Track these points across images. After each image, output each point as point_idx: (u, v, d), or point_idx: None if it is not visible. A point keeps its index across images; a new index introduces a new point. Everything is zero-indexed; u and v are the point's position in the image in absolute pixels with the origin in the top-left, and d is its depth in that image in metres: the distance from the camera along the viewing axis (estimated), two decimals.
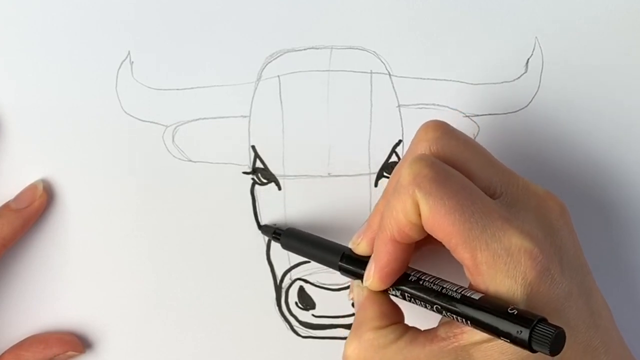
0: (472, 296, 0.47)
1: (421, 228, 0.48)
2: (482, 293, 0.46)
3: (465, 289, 0.47)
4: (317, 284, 0.57)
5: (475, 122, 0.57)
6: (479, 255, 0.46)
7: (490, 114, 0.57)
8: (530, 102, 0.57)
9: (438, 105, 0.57)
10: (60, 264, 0.58)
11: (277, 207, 0.58)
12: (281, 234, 0.56)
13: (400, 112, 0.57)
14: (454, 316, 0.47)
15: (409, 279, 0.50)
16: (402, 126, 0.57)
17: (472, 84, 0.57)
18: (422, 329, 0.50)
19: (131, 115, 0.57)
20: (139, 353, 0.59)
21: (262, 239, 0.58)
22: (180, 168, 0.58)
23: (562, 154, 0.57)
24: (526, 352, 0.45)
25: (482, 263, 0.46)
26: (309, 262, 0.57)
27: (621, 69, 0.57)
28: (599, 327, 0.49)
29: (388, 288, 0.51)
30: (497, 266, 0.46)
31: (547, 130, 0.57)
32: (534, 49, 0.57)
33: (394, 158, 0.57)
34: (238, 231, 0.58)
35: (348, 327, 0.58)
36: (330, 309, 0.58)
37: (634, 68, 0.57)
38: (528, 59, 0.57)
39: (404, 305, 0.52)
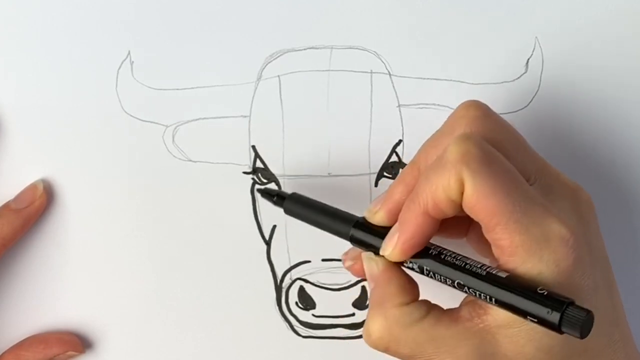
0: (498, 274, 0.46)
1: (458, 206, 0.47)
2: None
3: (490, 266, 0.47)
4: (318, 284, 0.57)
5: None
6: (517, 237, 0.46)
7: None
8: (530, 102, 0.57)
9: (438, 105, 0.57)
10: (60, 264, 0.58)
11: (277, 207, 0.57)
12: (285, 198, 0.55)
13: (400, 112, 0.57)
14: (478, 293, 0.46)
15: (430, 252, 0.49)
16: (402, 126, 0.57)
17: (472, 84, 0.57)
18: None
19: (131, 115, 0.57)
20: (139, 353, 0.59)
21: (262, 238, 0.58)
22: (180, 168, 0.58)
23: (562, 153, 0.57)
24: (553, 339, 0.45)
25: (519, 246, 0.46)
26: (310, 261, 0.57)
27: (621, 68, 0.57)
28: (619, 322, 0.49)
29: (405, 261, 0.50)
30: (533, 250, 0.46)
31: (547, 130, 0.57)
32: (534, 49, 0.57)
33: (394, 158, 0.57)
34: (238, 231, 0.58)
35: (348, 327, 0.58)
36: (331, 309, 0.58)
37: (634, 68, 0.57)
38: (528, 59, 0.57)
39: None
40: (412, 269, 0.50)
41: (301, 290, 0.58)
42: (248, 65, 0.57)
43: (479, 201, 0.46)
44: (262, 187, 0.57)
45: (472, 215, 0.47)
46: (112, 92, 0.57)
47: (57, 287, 0.58)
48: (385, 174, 0.57)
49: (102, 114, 0.57)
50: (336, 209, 0.53)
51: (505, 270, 0.47)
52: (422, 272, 0.49)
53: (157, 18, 0.57)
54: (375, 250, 0.51)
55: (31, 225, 0.57)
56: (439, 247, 0.49)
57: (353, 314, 0.58)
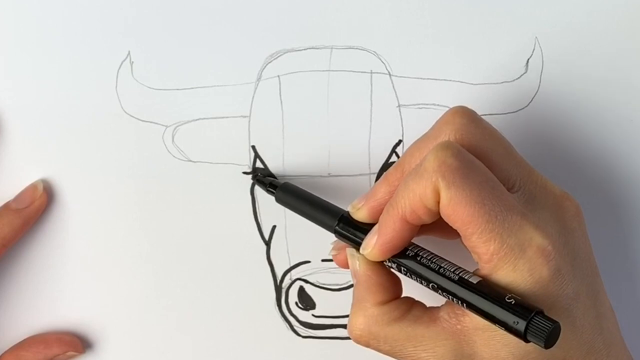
0: (469, 279, 0.47)
1: (435, 214, 0.48)
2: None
3: (464, 270, 0.48)
4: (317, 284, 0.57)
5: None
6: (491, 246, 0.46)
7: (490, 114, 0.57)
8: (530, 102, 0.57)
9: (438, 105, 0.57)
10: (60, 264, 0.58)
11: (277, 207, 0.57)
12: (277, 187, 0.56)
13: (400, 112, 0.57)
14: (450, 297, 0.47)
15: (407, 253, 0.50)
16: (402, 126, 0.57)
17: (472, 84, 0.57)
18: (417, 299, 0.51)
19: (131, 115, 0.57)
20: (139, 353, 0.59)
21: (262, 239, 0.58)
22: (180, 168, 0.58)
23: (561, 154, 0.57)
24: (528, 346, 0.45)
25: (494, 254, 0.46)
26: (309, 262, 0.57)
27: (621, 68, 0.57)
28: (603, 330, 0.49)
29: (384, 260, 0.51)
30: (508, 259, 0.46)
31: (547, 130, 0.57)
32: (534, 49, 0.57)
33: (394, 158, 0.57)
34: (238, 231, 0.58)
35: None
36: (330, 309, 0.58)
37: (634, 68, 0.57)
38: (528, 59, 0.57)
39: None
40: (391, 267, 0.51)
41: (301, 290, 0.58)
42: (248, 65, 0.57)
43: (454, 211, 0.47)
44: (259, 174, 0.57)
45: (449, 223, 0.48)
46: (112, 92, 0.57)
47: (57, 287, 0.58)
48: None
49: (102, 114, 0.57)
50: (325, 202, 0.54)
51: (480, 277, 0.47)
52: (399, 271, 0.50)
53: (157, 18, 0.57)
54: (358, 246, 0.52)
55: (31, 225, 0.57)
56: (418, 247, 0.50)
57: None
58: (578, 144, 0.57)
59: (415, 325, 0.49)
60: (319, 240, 0.57)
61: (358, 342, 0.51)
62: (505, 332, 0.45)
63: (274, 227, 0.58)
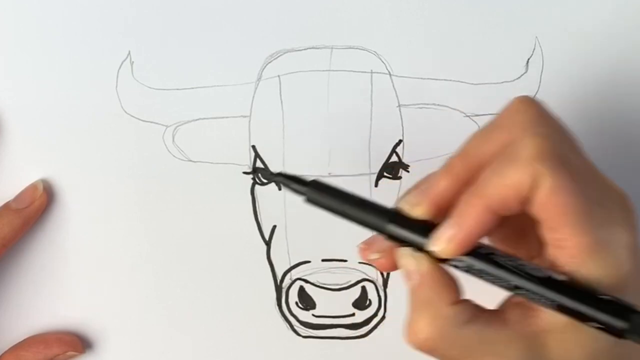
0: (559, 278, 0.44)
1: (525, 203, 0.45)
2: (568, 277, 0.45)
3: (547, 269, 0.45)
4: (317, 284, 0.57)
5: (475, 122, 0.57)
6: (583, 239, 0.44)
7: (490, 114, 0.57)
8: None
9: (438, 105, 0.57)
10: (60, 264, 0.58)
11: (277, 207, 0.58)
12: (307, 185, 0.48)
13: (400, 112, 0.57)
14: (537, 297, 0.45)
15: (480, 250, 0.46)
16: (402, 126, 0.57)
17: (472, 84, 0.57)
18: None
19: (131, 115, 0.57)
20: (139, 353, 0.59)
21: (262, 239, 0.58)
22: (180, 168, 0.58)
23: None
24: (600, 345, 0.44)
25: (583, 248, 0.44)
26: (310, 262, 0.57)
27: (621, 68, 0.57)
28: None
29: (451, 259, 0.46)
30: (598, 255, 0.44)
31: None
32: (534, 49, 0.57)
33: (394, 158, 0.57)
34: (238, 231, 0.58)
35: (348, 327, 0.58)
36: (331, 309, 0.58)
37: (634, 68, 0.57)
38: (528, 59, 0.57)
39: None
40: (457, 267, 0.47)
41: (301, 290, 0.58)
42: (248, 65, 0.57)
43: (552, 199, 0.44)
44: (282, 172, 0.50)
45: (537, 214, 0.45)
46: (112, 92, 0.57)
47: (57, 287, 0.58)
48: (385, 174, 0.57)
49: (102, 114, 0.57)
50: (364, 199, 0.48)
51: (563, 273, 0.45)
52: (468, 272, 0.46)
53: (157, 18, 0.57)
54: (417, 246, 0.47)
55: (31, 225, 0.57)
56: (488, 245, 0.47)
57: (353, 314, 0.58)
58: None
59: (487, 328, 0.46)
60: (319, 240, 0.57)
61: (421, 347, 0.46)
62: (580, 332, 0.44)
63: (274, 227, 0.58)
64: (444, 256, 0.46)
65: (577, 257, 0.44)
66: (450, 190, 0.47)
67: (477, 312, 0.46)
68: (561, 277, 0.45)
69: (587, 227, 0.44)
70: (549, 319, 0.45)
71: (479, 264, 0.46)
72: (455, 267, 0.46)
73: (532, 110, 0.47)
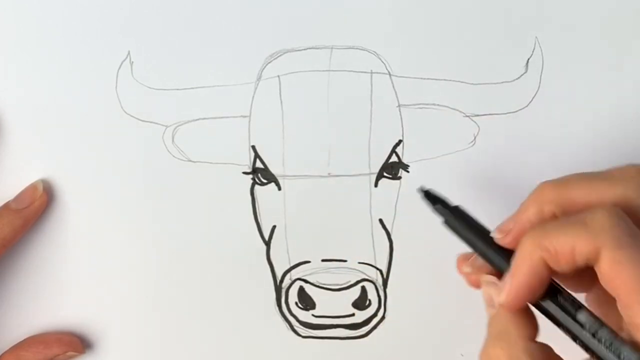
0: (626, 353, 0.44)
1: (575, 268, 0.45)
2: None
3: (619, 338, 0.45)
4: (317, 284, 0.57)
5: (475, 122, 0.57)
6: None
7: (490, 114, 0.57)
8: (530, 102, 0.57)
9: (438, 105, 0.57)
10: (60, 264, 0.58)
11: (277, 207, 0.58)
12: (448, 209, 0.51)
13: (400, 112, 0.57)
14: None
15: (559, 300, 0.47)
16: (402, 126, 0.57)
17: (472, 84, 0.57)
18: None
19: (131, 115, 0.57)
20: (139, 353, 0.59)
21: (262, 239, 0.58)
22: (180, 168, 0.58)
23: (562, 154, 0.57)
24: None
25: None
26: (309, 262, 0.57)
27: (621, 68, 0.57)
28: None
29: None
30: None
31: (547, 130, 0.57)
32: (534, 49, 0.57)
33: (394, 158, 0.57)
34: (238, 231, 0.58)
35: (348, 327, 0.58)
36: (331, 309, 0.57)
37: (634, 68, 0.57)
38: (528, 59, 0.57)
39: None
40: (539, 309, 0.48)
41: (301, 290, 0.58)
42: (248, 65, 0.57)
43: (619, 275, 0.44)
44: (427, 189, 0.53)
45: (608, 289, 0.45)
46: (112, 92, 0.57)
47: (57, 287, 0.58)
48: (385, 174, 0.57)
49: (102, 114, 0.57)
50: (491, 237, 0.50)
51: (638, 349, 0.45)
52: (548, 317, 0.47)
53: (157, 18, 0.57)
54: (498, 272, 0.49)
55: (31, 225, 0.57)
56: (572, 298, 0.47)
57: (353, 314, 0.58)
58: (578, 144, 0.57)
59: None
60: (319, 240, 0.57)
61: None
62: None
63: (274, 227, 0.58)
64: (507, 308, 0.47)
65: None
66: (535, 220, 0.48)
67: (553, 356, 0.46)
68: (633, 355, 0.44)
69: None
70: None
71: (557, 314, 0.47)
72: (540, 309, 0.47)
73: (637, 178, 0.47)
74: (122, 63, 0.57)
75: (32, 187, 0.57)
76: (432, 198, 0.52)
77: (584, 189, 0.48)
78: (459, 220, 0.51)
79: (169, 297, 0.58)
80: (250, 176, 0.58)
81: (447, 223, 0.51)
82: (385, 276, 0.58)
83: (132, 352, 0.59)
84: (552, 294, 0.47)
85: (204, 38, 0.57)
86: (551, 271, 0.46)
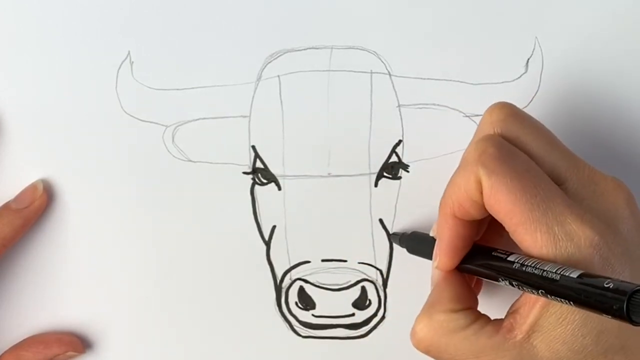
0: (570, 275, 0.45)
1: (482, 206, 0.48)
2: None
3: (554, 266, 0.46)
4: (317, 284, 0.57)
5: (475, 122, 0.57)
6: (539, 237, 0.46)
7: None
8: (530, 102, 0.57)
9: (438, 105, 0.57)
10: (60, 264, 0.58)
11: (277, 207, 0.58)
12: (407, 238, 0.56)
13: (400, 112, 0.57)
14: (526, 286, 0.46)
15: (482, 253, 0.50)
16: (402, 126, 0.57)
17: (472, 84, 0.57)
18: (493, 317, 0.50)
19: (131, 115, 0.57)
20: (139, 353, 0.59)
21: (262, 239, 0.58)
22: (180, 168, 0.58)
23: None
24: (586, 340, 0.46)
25: (543, 246, 0.46)
26: (309, 262, 0.57)
27: (621, 69, 0.57)
28: None
29: (469, 267, 0.50)
30: (557, 250, 0.46)
31: None
32: (534, 49, 0.57)
33: (394, 158, 0.57)
34: (238, 231, 0.58)
35: (348, 327, 0.58)
36: (330, 309, 0.57)
37: (634, 68, 0.57)
38: (528, 59, 0.57)
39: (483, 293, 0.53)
40: (470, 272, 0.50)
41: (301, 290, 0.58)
42: (248, 65, 0.57)
43: (497, 200, 0.47)
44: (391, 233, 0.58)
45: (494, 215, 0.48)
46: (112, 92, 0.57)
47: (57, 287, 0.58)
48: (385, 174, 0.57)
49: (102, 114, 0.57)
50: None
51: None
52: (479, 275, 0.50)
53: (156, 18, 0.57)
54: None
55: (31, 226, 0.57)
56: (486, 247, 0.50)
57: (353, 314, 0.58)
58: (578, 144, 0.57)
59: (478, 335, 0.48)
60: (319, 240, 0.57)
61: (417, 347, 0.50)
62: (564, 330, 0.46)
63: (274, 227, 0.58)
64: (443, 269, 0.51)
65: (542, 257, 0.46)
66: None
67: (473, 321, 0.49)
68: (574, 273, 0.45)
69: (538, 224, 0.46)
70: (534, 321, 0.47)
71: (476, 265, 0.50)
72: (469, 272, 0.51)
73: (497, 117, 0.50)
74: (122, 63, 0.57)
75: (32, 187, 0.57)
76: (395, 236, 0.57)
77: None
78: (414, 242, 0.56)
79: (169, 297, 0.58)
80: (250, 176, 0.58)
81: (409, 250, 0.56)
82: (385, 276, 0.58)
83: (132, 352, 0.59)
84: (486, 253, 0.49)
85: (204, 38, 0.57)
86: (467, 224, 0.49)
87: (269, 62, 0.57)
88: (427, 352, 0.50)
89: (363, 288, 0.57)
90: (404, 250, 0.57)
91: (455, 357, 0.49)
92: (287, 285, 0.58)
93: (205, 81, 0.57)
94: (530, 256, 0.47)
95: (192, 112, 0.57)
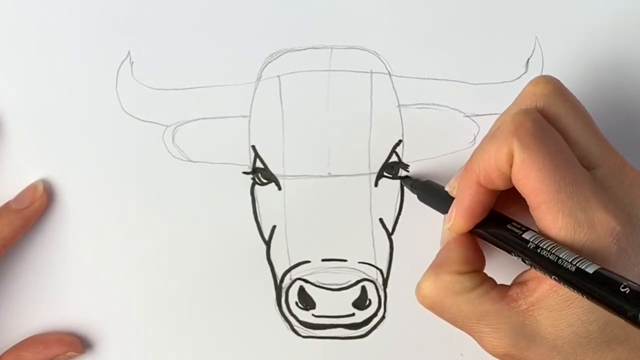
0: (586, 269, 0.45)
1: (507, 178, 0.48)
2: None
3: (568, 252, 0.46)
4: (317, 284, 0.57)
5: (475, 122, 0.57)
6: (560, 219, 0.46)
7: (490, 114, 0.57)
8: None
9: (438, 105, 0.57)
10: (60, 264, 0.58)
11: (277, 207, 0.58)
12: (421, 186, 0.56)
13: (400, 112, 0.57)
14: (537, 265, 0.47)
15: (498, 222, 0.50)
16: (402, 126, 0.57)
17: (472, 84, 0.57)
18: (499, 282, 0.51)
19: (131, 115, 0.57)
20: (139, 353, 0.59)
21: (262, 239, 0.58)
22: (180, 168, 0.58)
23: None
24: (592, 326, 0.46)
25: (562, 228, 0.46)
26: (309, 262, 0.57)
27: (621, 69, 0.57)
28: None
29: (483, 233, 0.51)
30: (576, 235, 0.46)
31: None
32: (534, 49, 0.57)
33: (394, 158, 0.57)
34: (238, 231, 0.58)
35: (348, 327, 0.58)
36: (331, 309, 0.57)
37: (634, 68, 0.57)
38: (528, 59, 0.57)
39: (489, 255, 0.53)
40: (483, 237, 0.51)
41: (301, 290, 0.58)
42: (248, 65, 0.57)
43: (526, 175, 0.47)
44: (404, 175, 0.57)
45: (519, 190, 0.48)
46: (112, 92, 0.57)
47: (57, 287, 0.58)
48: (385, 174, 0.57)
49: (102, 114, 0.57)
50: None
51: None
52: (491, 243, 0.50)
53: (157, 18, 0.57)
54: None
55: (31, 226, 0.57)
56: (507, 217, 0.50)
57: (353, 314, 0.58)
58: None
59: (483, 299, 0.49)
60: (319, 240, 0.57)
61: (422, 303, 0.51)
62: (572, 312, 0.46)
63: (274, 227, 0.58)
64: (455, 232, 0.51)
65: (559, 239, 0.46)
66: None
67: (479, 285, 0.49)
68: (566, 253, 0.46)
69: (562, 206, 0.46)
70: (541, 297, 0.47)
71: (490, 234, 0.50)
72: (480, 236, 0.51)
73: (542, 91, 0.50)
74: (122, 63, 0.57)
75: (32, 187, 0.57)
76: (407, 180, 0.57)
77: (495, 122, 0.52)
78: (427, 192, 0.55)
79: (169, 297, 0.58)
80: (250, 176, 0.58)
81: (420, 198, 0.56)
82: (385, 276, 0.58)
83: (132, 352, 0.59)
84: (502, 223, 0.50)
85: (204, 38, 0.57)
86: (489, 192, 0.50)
87: (269, 62, 0.57)
88: (430, 308, 0.51)
89: (363, 288, 0.57)
90: (404, 249, 0.57)
91: (457, 317, 0.50)
92: (287, 285, 0.58)
93: (205, 81, 0.57)
94: (546, 236, 0.47)
95: (192, 112, 0.57)
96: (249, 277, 0.58)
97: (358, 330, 0.58)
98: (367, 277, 0.57)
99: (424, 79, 0.57)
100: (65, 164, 0.58)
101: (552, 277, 0.46)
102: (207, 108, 0.57)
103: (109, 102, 0.57)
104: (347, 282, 0.57)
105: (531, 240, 0.47)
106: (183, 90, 0.57)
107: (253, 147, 0.58)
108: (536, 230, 0.48)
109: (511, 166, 0.48)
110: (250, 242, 0.58)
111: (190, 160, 0.58)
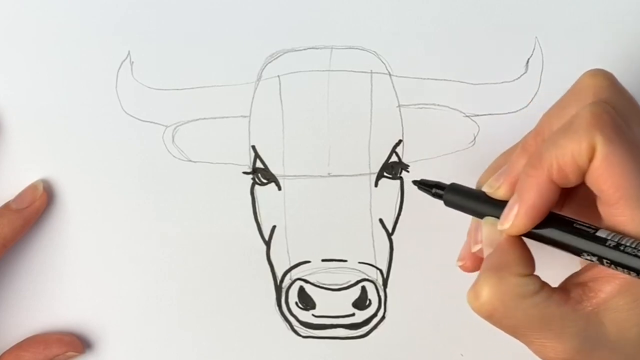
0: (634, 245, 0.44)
1: (582, 174, 0.45)
2: None
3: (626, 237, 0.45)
4: (317, 284, 0.57)
5: (475, 122, 0.57)
6: (638, 216, 0.44)
7: (490, 114, 0.57)
8: (530, 102, 0.57)
9: (438, 105, 0.57)
10: (60, 264, 0.58)
11: (277, 207, 0.58)
12: (444, 189, 0.52)
13: (400, 112, 0.57)
14: (610, 263, 0.45)
15: (556, 220, 0.47)
16: (402, 126, 0.57)
17: (472, 84, 0.57)
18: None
19: (131, 115, 0.57)
20: (139, 353, 0.59)
21: (262, 239, 0.58)
22: (180, 168, 0.58)
23: None
24: None
25: (639, 225, 0.44)
26: (309, 262, 0.57)
27: (621, 69, 0.57)
28: None
29: (543, 235, 0.48)
30: None
31: None
32: (534, 49, 0.57)
33: (394, 158, 0.57)
34: (238, 231, 0.58)
35: (348, 327, 0.58)
36: (331, 309, 0.57)
37: (634, 68, 0.57)
38: (528, 59, 0.57)
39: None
40: (543, 240, 0.48)
41: (301, 290, 0.58)
42: (248, 65, 0.57)
43: (607, 170, 0.44)
44: (420, 180, 0.54)
45: (592, 186, 0.45)
46: (112, 92, 0.57)
47: (57, 287, 0.58)
48: (385, 174, 0.57)
49: (102, 114, 0.57)
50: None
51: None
52: (549, 243, 0.48)
53: (157, 18, 0.57)
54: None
55: (31, 226, 0.57)
56: (567, 217, 0.48)
57: (353, 314, 0.58)
58: None
59: (548, 302, 0.46)
60: (319, 240, 0.57)
61: (480, 311, 0.47)
62: (637, 313, 0.45)
63: (274, 227, 0.58)
64: (513, 233, 0.47)
65: (636, 235, 0.44)
66: None
67: (541, 288, 0.47)
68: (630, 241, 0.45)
69: None
70: (608, 298, 0.46)
71: (553, 235, 0.47)
72: (535, 238, 0.48)
73: (601, 83, 0.48)
74: (122, 63, 0.57)
75: (32, 187, 0.57)
76: (427, 186, 0.53)
77: (557, 114, 0.48)
78: (456, 195, 0.52)
79: (169, 297, 0.58)
80: (250, 176, 0.58)
81: (448, 202, 0.52)
82: (385, 276, 0.58)
83: (132, 352, 0.59)
84: (567, 224, 0.47)
85: (204, 38, 0.57)
86: (558, 190, 0.46)
87: (269, 62, 0.57)
88: (489, 317, 0.47)
89: (363, 288, 0.57)
90: (404, 250, 0.57)
91: (520, 323, 0.47)
92: (287, 285, 0.58)
93: (205, 81, 0.57)
94: (620, 233, 0.45)
95: (192, 112, 0.57)
96: (249, 277, 0.58)
97: (358, 331, 0.58)
98: (367, 277, 0.57)
99: (424, 79, 0.57)
100: (65, 164, 0.58)
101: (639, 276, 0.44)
102: (207, 108, 0.57)
103: (109, 102, 0.57)
104: (347, 282, 0.57)
105: (609, 238, 0.45)
106: (183, 90, 0.57)
107: (253, 147, 0.58)
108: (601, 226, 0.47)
109: (591, 161, 0.45)
110: (250, 242, 0.58)
111: (190, 160, 0.58)
